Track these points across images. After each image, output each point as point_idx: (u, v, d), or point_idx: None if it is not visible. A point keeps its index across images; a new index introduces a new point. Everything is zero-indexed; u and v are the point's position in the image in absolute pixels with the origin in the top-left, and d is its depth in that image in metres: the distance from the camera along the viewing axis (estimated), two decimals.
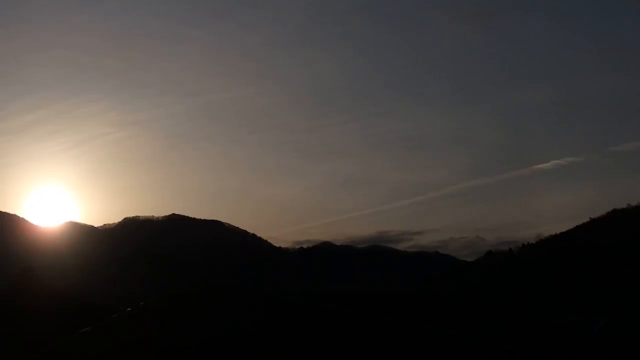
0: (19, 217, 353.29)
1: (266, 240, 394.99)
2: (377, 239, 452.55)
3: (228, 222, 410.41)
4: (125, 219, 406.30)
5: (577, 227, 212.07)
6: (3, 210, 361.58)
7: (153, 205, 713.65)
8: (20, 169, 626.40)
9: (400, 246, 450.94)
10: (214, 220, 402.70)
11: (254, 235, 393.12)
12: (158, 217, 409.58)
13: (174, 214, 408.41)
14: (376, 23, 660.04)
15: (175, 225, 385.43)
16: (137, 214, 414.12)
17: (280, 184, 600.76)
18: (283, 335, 19.23)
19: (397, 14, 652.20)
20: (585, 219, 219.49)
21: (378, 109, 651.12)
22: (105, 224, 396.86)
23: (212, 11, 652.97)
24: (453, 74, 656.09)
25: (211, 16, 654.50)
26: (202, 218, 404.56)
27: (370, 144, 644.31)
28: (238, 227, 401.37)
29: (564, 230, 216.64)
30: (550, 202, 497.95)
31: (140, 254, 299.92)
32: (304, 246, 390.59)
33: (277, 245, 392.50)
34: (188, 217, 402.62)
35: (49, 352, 18.80)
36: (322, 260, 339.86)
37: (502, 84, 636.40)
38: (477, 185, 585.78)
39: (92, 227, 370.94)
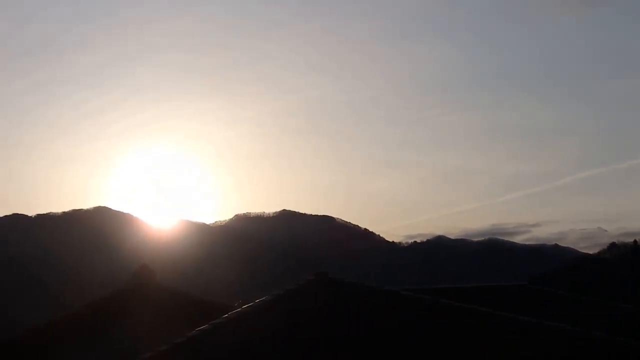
0: (133, 216, 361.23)
1: (378, 234, 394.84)
2: (492, 232, 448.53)
3: (339, 216, 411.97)
4: (236, 215, 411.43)
5: None
6: (118, 209, 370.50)
7: (263, 201, 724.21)
8: (132, 170, 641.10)
9: (517, 239, 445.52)
10: (325, 216, 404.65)
11: (365, 229, 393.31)
12: (269, 213, 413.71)
13: (284, 209, 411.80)
14: (480, 13, 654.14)
15: (286, 220, 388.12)
16: (248, 211, 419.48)
17: (390, 178, 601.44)
18: (400, 331, 18.64)
19: (500, 4, 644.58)
20: None
21: (487, 99, 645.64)
22: (216, 221, 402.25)
23: (315, 5, 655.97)
24: (562, 62, 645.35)
25: (314, 11, 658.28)
26: (313, 213, 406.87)
27: (480, 135, 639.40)
28: (349, 222, 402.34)
29: None
30: None
31: (252, 250, 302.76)
32: (417, 240, 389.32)
33: (390, 239, 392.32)
34: (299, 212, 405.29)
35: (167, 350, 18.58)
36: (436, 254, 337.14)
37: (614, 70, 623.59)
38: (595, 174, 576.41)
39: (204, 224, 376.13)
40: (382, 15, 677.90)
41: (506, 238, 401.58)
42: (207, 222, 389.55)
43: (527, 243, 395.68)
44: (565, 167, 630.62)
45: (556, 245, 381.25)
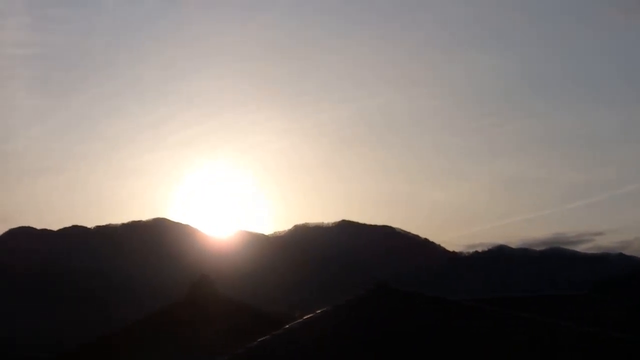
0: (192, 227, 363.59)
1: (438, 244, 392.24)
2: (554, 241, 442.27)
3: (398, 226, 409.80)
4: (295, 226, 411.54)
5: None
6: (177, 221, 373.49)
7: (322, 211, 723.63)
8: (190, 181, 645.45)
9: (580, 247, 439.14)
10: (385, 226, 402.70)
11: (426, 239, 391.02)
12: (328, 224, 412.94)
13: (343, 220, 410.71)
14: (541, 19, 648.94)
15: (346, 231, 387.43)
16: (307, 221, 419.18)
17: (450, 187, 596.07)
18: (462, 341, 18.41)
19: (562, 8, 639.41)
20: None
21: (547, 107, 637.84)
22: (275, 232, 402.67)
23: (371, 14, 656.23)
24: (626, 67, 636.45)
25: (371, 19, 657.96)
26: (372, 223, 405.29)
27: (541, 143, 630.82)
28: (409, 232, 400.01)
29: None
30: None
31: (311, 260, 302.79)
32: (478, 249, 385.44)
33: (450, 249, 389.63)
34: (358, 222, 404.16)
35: None
36: (499, 263, 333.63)
37: None
38: None
39: (263, 235, 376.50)
40: (440, 23, 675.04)
41: (569, 247, 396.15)
42: (266, 233, 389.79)
43: (590, 252, 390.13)
44: (629, 175, 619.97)
45: (620, 254, 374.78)
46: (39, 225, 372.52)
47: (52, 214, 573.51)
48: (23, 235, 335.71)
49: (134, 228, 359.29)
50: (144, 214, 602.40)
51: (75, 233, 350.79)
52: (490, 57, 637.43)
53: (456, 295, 25.49)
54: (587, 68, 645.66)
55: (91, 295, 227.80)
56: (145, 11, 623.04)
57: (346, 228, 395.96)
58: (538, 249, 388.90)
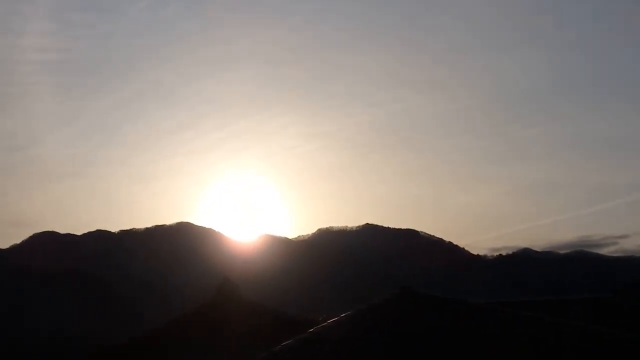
0: (215, 231, 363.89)
1: (463, 247, 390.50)
2: (579, 244, 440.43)
3: (423, 230, 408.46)
4: (319, 229, 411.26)
5: None
6: (200, 225, 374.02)
7: (346, 215, 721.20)
8: (213, 185, 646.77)
9: (605, 250, 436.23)
10: (409, 229, 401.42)
11: (450, 242, 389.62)
12: (352, 227, 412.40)
13: (367, 223, 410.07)
14: (562, 23, 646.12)
15: (370, 234, 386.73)
16: (331, 225, 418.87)
17: (474, 190, 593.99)
18: (486, 345, 18.36)
19: (582, 12, 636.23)
20: None
21: (571, 110, 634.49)
22: (299, 236, 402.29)
23: (394, 19, 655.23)
24: None
25: (394, 24, 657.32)
26: (397, 227, 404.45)
27: (565, 146, 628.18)
28: (433, 235, 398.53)
29: None
30: None
31: (335, 264, 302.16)
32: (502, 253, 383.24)
33: (475, 252, 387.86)
34: (382, 226, 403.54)
35: None
36: (523, 266, 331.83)
37: None
38: None
39: (287, 238, 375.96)
40: (465, 26, 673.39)
41: (594, 250, 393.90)
42: (290, 237, 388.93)
43: (615, 255, 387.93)
44: None
45: None
46: (63, 229, 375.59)
47: (76, 219, 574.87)
48: (47, 240, 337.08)
49: (158, 232, 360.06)
50: (168, 218, 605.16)
51: (99, 237, 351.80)
52: (513, 62, 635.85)
53: (480, 299, 25.42)
54: (610, 72, 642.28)
55: (115, 300, 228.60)
56: (167, 17, 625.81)
57: (370, 231, 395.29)
58: (562, 252, 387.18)
